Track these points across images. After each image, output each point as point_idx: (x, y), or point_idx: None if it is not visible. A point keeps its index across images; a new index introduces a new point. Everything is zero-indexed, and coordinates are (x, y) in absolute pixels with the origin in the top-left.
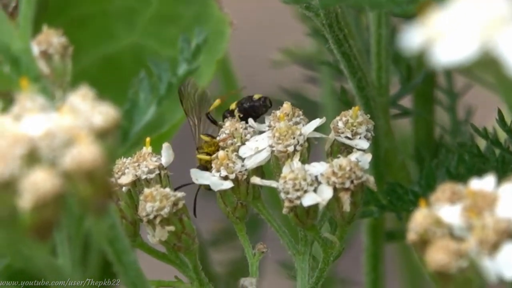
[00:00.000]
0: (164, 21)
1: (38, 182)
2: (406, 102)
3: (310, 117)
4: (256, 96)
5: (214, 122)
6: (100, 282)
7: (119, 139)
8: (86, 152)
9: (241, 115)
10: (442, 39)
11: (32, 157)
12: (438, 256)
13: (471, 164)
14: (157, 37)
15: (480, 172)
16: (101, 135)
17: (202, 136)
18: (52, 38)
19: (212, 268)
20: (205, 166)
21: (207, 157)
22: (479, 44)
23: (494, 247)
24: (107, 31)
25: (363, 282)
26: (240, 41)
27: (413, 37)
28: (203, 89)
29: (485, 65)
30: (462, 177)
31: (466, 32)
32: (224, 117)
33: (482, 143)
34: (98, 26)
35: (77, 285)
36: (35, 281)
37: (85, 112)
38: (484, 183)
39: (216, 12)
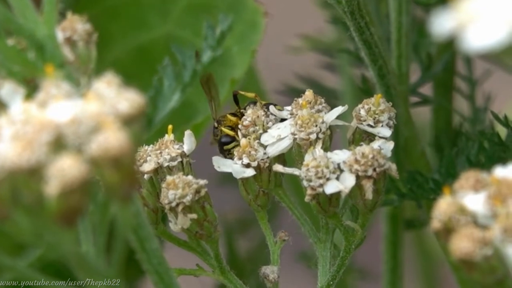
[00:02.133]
0: (198, 11)
1: (65, 169)
2: (426, 90)
3: (327, 104)
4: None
5: (237, 102)
6: (124, 270)
7: (144, 126)
8: (112, 138)
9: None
10: (473, 24)
11: (58, 144)
12: (462, 244)
13: (491, 152)
14: (190, 27)
15: (500, 161)
16: (127, 121)
17: (229, 116)
18: (76, 25)
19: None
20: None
21: (231, 132)
22: (510, 29)
23: None
24: (141, 20)
25: (381, 271)
26: None
27: (443, 22)
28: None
29: None
30: (482, 166)
31: (497, 17)
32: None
33: (501, 131)
34: (131, 15)
35: (102, 272)
36: (67, 273)
37: (110, 99)
38: (508, 171)
39: (250, 2)
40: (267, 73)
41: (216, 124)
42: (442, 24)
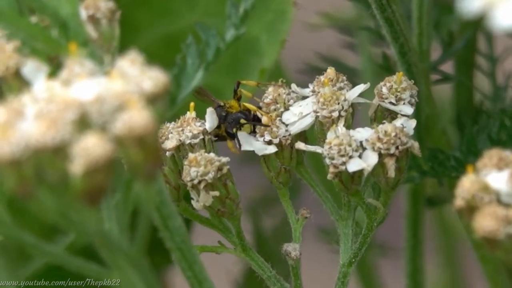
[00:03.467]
0: (226, 0)
1: (90, 147)
2: (447, 67)
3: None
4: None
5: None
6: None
7: (167, 104)
8: (137, 117)
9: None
10: (503, 2)
11: (82, 122)
12: (485, 222)
13: None
14: (219, 16)
15: None
16: (151, 100)
17: (246, 104)
18: (99, 2)
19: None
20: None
21: (253, 107)
22: None
23: None
24: (169, 9)
25: (402, 248)
26: None
27: (472, 1)
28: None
29: None
30: (503, 143)
31: None
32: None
33: None
34: (160, 4)
35: (125, 250)
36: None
37: (134, 77)
38: None
39: None
40: (286, 52)
41: (223, 103)
42: (470, 2)
